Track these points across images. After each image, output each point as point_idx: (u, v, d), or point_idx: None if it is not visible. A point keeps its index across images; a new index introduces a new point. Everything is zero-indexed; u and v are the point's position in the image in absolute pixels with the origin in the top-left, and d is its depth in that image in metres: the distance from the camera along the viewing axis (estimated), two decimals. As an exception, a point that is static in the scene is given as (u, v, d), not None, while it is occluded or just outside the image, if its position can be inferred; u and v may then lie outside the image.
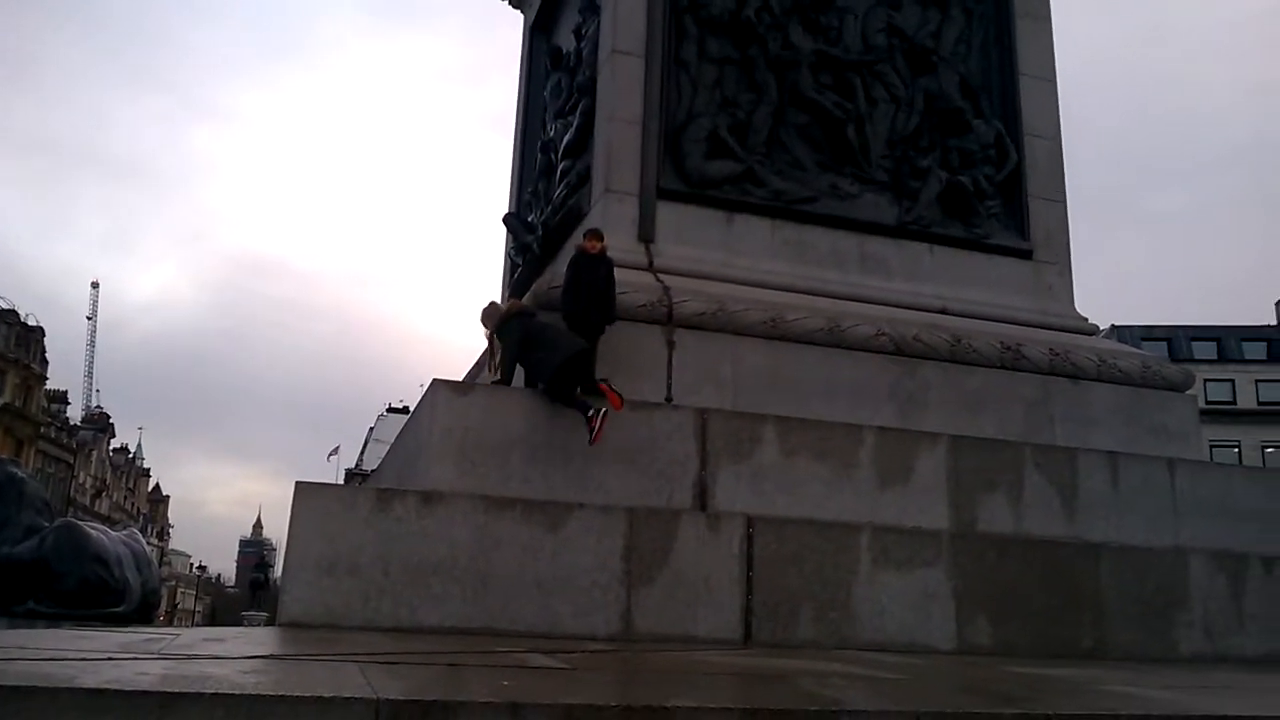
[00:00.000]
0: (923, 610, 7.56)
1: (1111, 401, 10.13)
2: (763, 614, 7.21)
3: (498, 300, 9.29)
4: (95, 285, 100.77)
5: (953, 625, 7.60)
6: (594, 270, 8.33)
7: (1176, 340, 49.12)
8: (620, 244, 9.06)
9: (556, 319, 8.27)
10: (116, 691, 3.34)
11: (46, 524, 13.17)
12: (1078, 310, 11.01)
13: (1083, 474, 8.81)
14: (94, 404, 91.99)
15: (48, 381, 70.20)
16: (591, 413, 7.49)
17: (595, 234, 8.51)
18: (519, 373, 8.23)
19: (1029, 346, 10.01)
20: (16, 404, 62.92)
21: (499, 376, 8.37)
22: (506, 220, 13.04)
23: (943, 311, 10.19)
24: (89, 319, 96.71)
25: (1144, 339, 42.72)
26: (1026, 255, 10.91)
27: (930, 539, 7.85)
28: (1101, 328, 12.12)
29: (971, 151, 10.97)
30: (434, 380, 7.84)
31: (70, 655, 4.29)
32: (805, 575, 7.37)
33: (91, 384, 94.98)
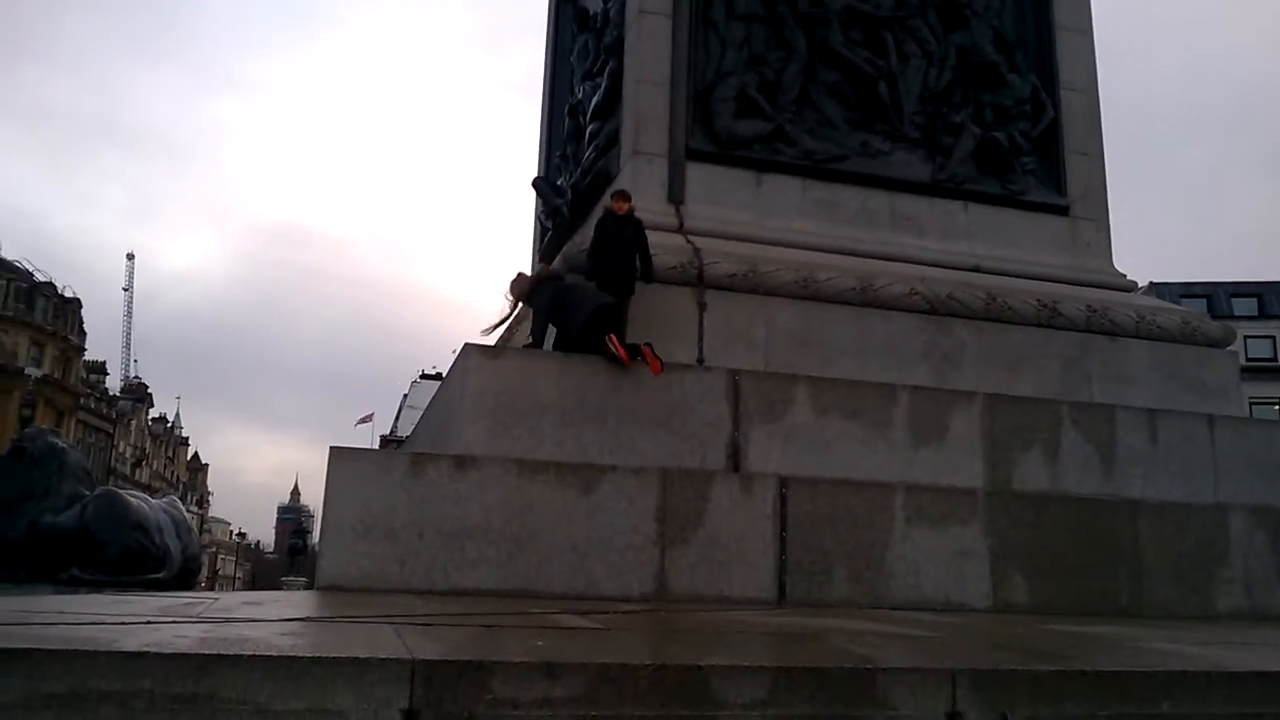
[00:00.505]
0: (958, 569, 7.52)
1: (1150, 359, 9.99)
2: (797, 574, 7.20)
3: (526, 271, 9.24)
4: (130, 257, 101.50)
5: (988, 584, 7.56)
6: (621, 231, 8.31)
7: (1216, 297, 48.42)
8: (650, 206, 9.02)
9: (586, 281, 8.25)
10: (155, 655, 3.39)
11: (88, 493, 13.36)
12: (1116, 267, 10.84)
13: (1120, 431, 8.70)
14: (132, 374, 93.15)
15: (86, 353, 71.11)
16: (645, 345, 7.70)
17: (622, 195, 8.48)
18: (551, 337, 8.24)
19: (1066, 304, 9.87)
20: (56, 375, 63.83)
21: (530, 341, 8.38)
22: (535, 184, 13.00)
23: (977, 269, 10.06)
24: (125, 290, 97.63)
25: (1183, 295, 42.12)
26: (1063, 211, 10.74)
27: (965, 497, 7.80)
28: (1140, 284, 11.92)
29: (1006, 107, 10.78)
30: (465, 344, 7.85)
31: (110, 620, 4.36)
32: (839, 535, 7.35)
33: (129, 354, 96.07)
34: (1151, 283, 44.10)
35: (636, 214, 8.47)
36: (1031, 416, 8.56)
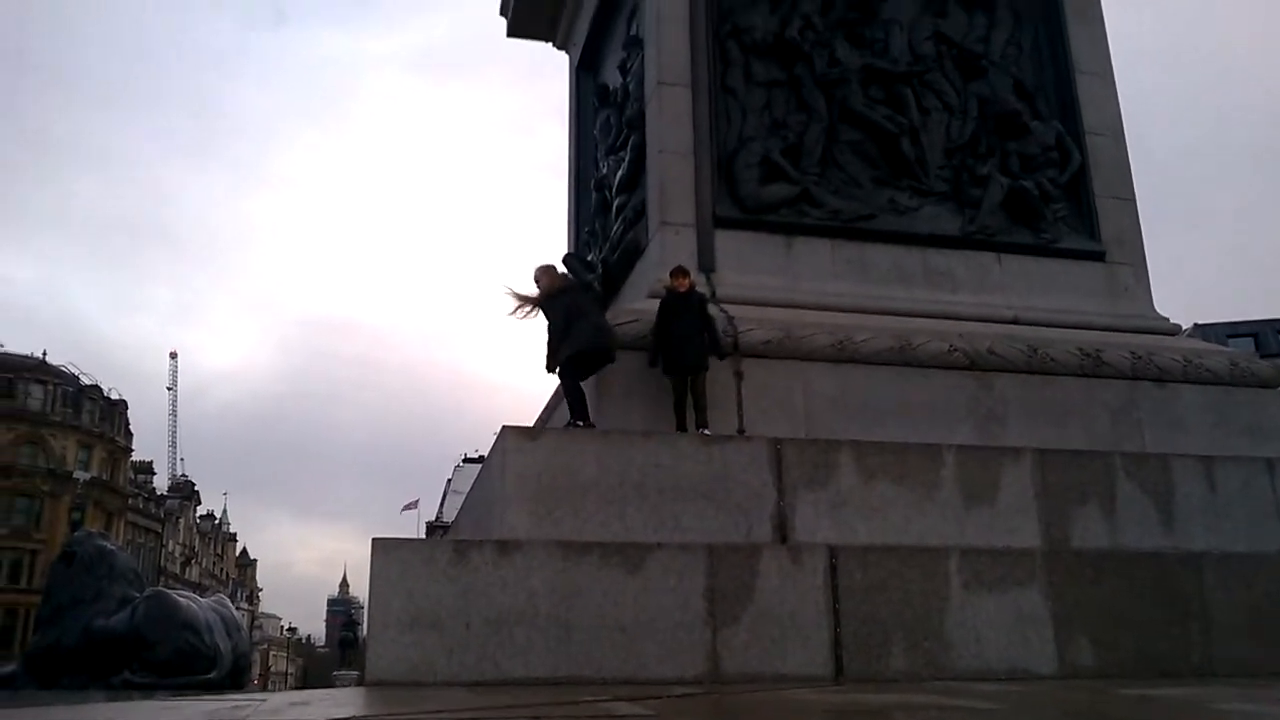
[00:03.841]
0: (1020, 634, 7.25)
1: (1200, 403, 9.75)
2: (853, 647, 6.99)
3: (556, 265, 9.27)
4: (174, 356, 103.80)
5: (1052, 647, 7.28)
6: (684, 308, 8.45)
7: (1264, 334, 47.61)
8: (681, 276, 8.99)
9: (596, 309, 8.73)
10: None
11: (137, 594, 13.39)
12: (1157, 310, 10.64)
13: (1177, 481, 8.44)
14: (179, 472, 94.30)
15: (133, 453, 72.09)
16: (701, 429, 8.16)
17: (681, 271, 8.66)
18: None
19: (1109, 351, 9.68)
20: (104, 477, 64.62)
21: (547, 355, 8.60)
22: (566, 260, 12.96)
23: (1015, 322, 9.92)
24: (169, 389, 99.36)
25: (1229, 335, 41.46)
26: (1099, 257, 10.59)
27: (1022, 558, 7.55)
28: (1185, 327, 11.69)
29: (1032, 154, 10.71)
30: (503, 427, 7.79)
31: (155, 731, 4.27)
32: (894, 604, 7.13)
33: (175, 453, 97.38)
34: (1196, 324, 43.55)
35: (669, 288, 8.55)
36: (1084, 470, 8.32)
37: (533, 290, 8.96)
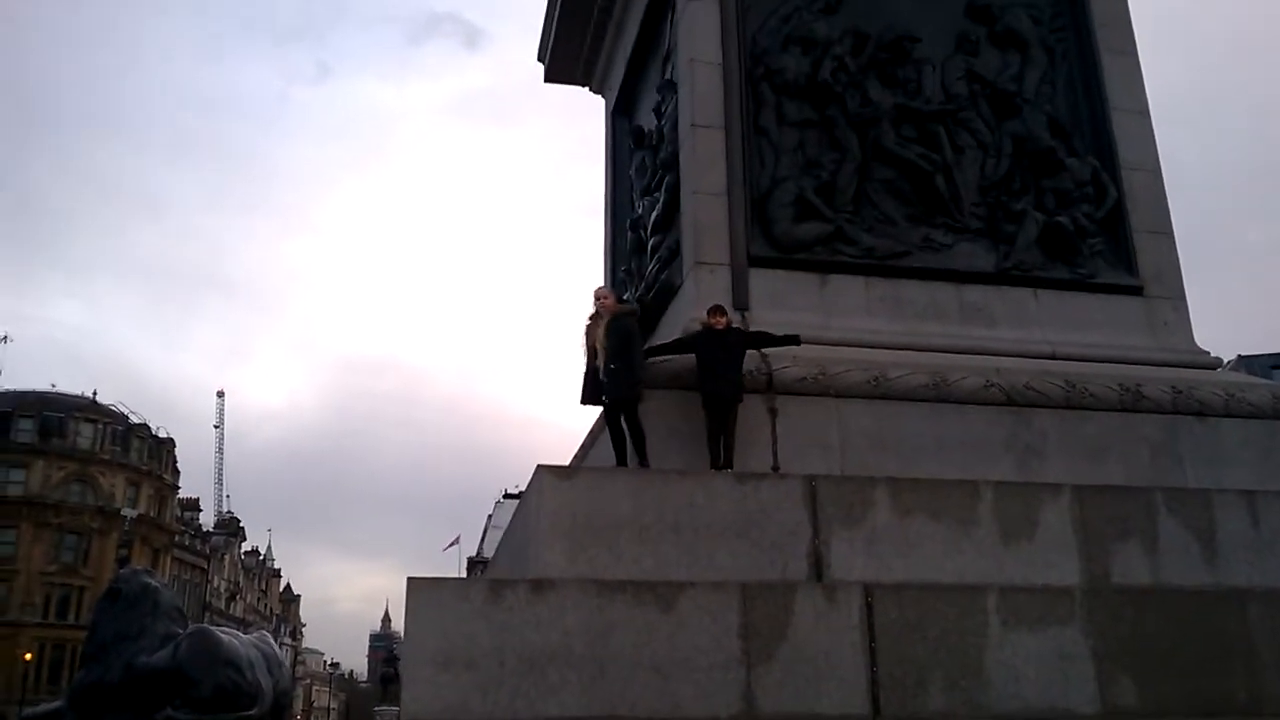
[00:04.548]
0: (1061, 672, 7.16)
1: (1242, 437, 9.61)
2: (890, 686, 6.94)
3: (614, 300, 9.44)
4: (221, 395, 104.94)
5: (1094, 687, 7.17)
6: (721, 345, 8.53)
7: (1307, 366, 46.68)
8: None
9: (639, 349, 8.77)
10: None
11: (181, 631, 13.51)
12: (1198, 344, 10.53)
13: (1220, 516, 8.31)
14: (225, 509, 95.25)
15: (180, 490, 73.01)
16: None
17: (718, 309, 8.75)
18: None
19: (1149, 386, 9.59)
20: (151, 514, 65.49)
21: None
22: (601, 299, 13.15)
23: (1053, 357, 9.86)
24: (216, 427, 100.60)
25: (1272, 367, 40.69)
26: (1137, 292, 10.52)
27: (1063, 596, 7.47)
28: (1227, 359, 11.55)
29: (1067, 190, 10.68)
30: (538, 467, 7.86)
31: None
32: (931, 642, 7.08)
33: (221, 490, 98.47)
34: (1240, 356, 42.82)
35: (706, 325, 8.66)
36: (1124, 506, 8.23)
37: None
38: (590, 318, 9.02)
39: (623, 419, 8.55)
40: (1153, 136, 11.13)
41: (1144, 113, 11.19)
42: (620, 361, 8.52)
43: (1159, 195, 10.91)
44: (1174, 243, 10.81)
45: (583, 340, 9.06)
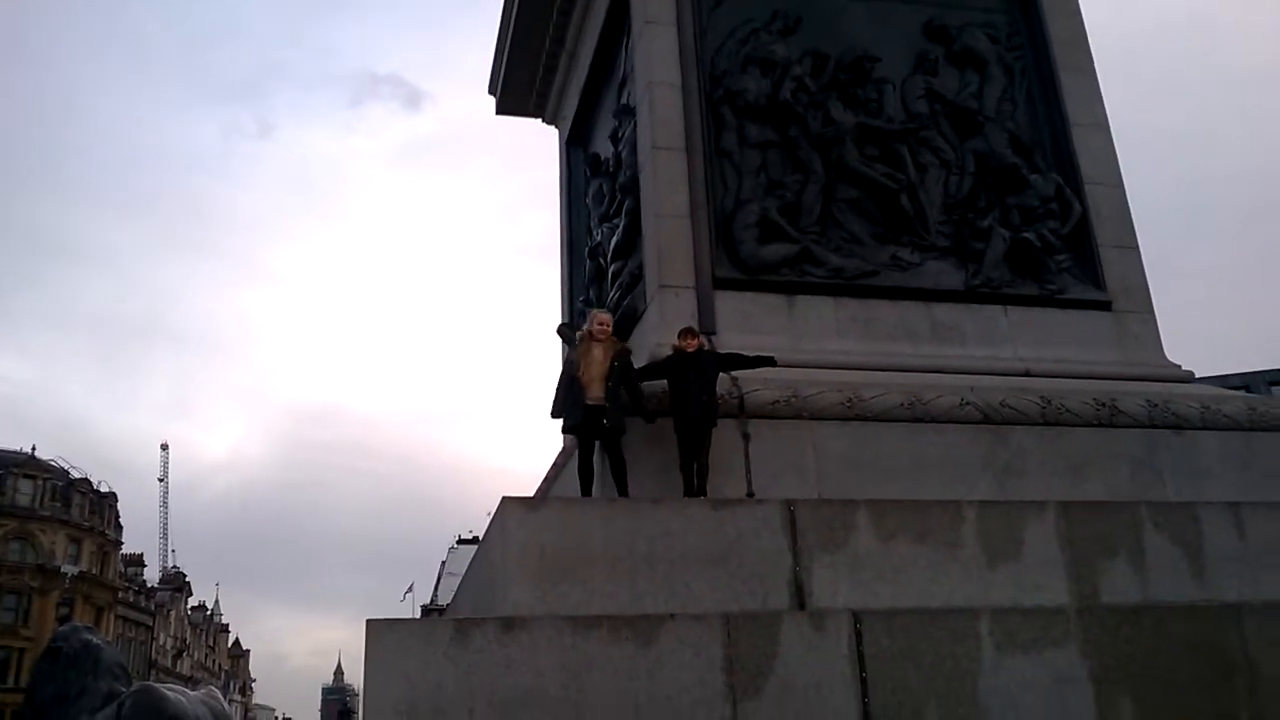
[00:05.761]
0: (1058, 696, 6.85)
1: (1221, 449, 9.46)
2: (883, 717, 6.59)
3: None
4: (165, 447, 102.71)
5: (1093, 710, 6.86)
6: (694, 368, 8.24)
7: (1255, 386, 47.46)
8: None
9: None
10: None
11: (124, 689, 12.84)
12: (1169, 358, 10.42)
13: (1206, 529, 8.09)
14: (170, 564, 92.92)
15: (123, 546, 71.10)
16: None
17: (689, 332, 8.46)
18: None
19: (1124, 400, 9.42)
20: (93, 571, 63.64)
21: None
22: (560, 331, 12.78)
23: (1027, 374, 9.67)
24: (160, 480, 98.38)
25: (1271, 384, 41.35)
26: (1106, 306, 10.39)
27: (1056, 616, 7.18)
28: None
29: (1032, 207, 10.57)
30: (503, 499, 7.45)
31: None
32: (924, 670, 6.75)
33: (167, 545, 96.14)
34: (1241, 374, 43.45)
35: (677, 348, 8.40)
36: (1109, 521, 8.00)
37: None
38: (582, 340, 8.63)
39: (600, 448, 8.20)
40: (1114, 151, 11.08)
41: (1104, 128, 11.14)
42: (617, 394, 8.24)
43: (1123, 210, 10.84)
44: (1140, 256, 10.72)
45: (572, 359, 8.63)
